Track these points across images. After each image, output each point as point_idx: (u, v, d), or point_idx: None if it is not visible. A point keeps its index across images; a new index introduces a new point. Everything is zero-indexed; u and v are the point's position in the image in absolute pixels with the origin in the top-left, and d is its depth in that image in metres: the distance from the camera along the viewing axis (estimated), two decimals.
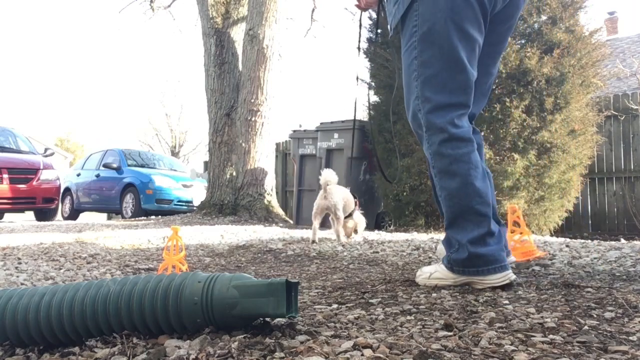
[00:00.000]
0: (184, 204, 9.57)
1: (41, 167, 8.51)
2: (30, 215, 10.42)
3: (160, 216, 8.50)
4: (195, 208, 8.59)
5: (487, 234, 1.65)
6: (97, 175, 10.50)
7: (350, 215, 3.88)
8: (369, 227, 5.64)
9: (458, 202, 1.67)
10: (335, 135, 5.98)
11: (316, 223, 3.75)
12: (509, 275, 1.65)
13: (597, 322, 1.18)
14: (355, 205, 3.94)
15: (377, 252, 3.05)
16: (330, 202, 3.65)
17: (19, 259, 2.78)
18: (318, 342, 1.01)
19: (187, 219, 6.80)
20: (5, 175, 7.98)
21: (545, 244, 3.22)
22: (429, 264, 2.55)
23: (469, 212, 1.65)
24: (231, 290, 1.08)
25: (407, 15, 1.72)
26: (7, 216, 11.02)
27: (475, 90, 1.75)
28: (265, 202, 7.07)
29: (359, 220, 4.00)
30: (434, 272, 1.76)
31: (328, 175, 3.65)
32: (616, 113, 6.42)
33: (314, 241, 3.62)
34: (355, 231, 3.97)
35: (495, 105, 4.82)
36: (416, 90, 1.73)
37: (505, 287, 1.64)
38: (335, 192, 3.70)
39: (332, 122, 6.14)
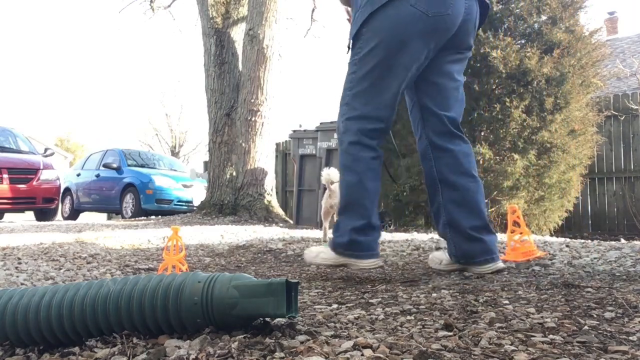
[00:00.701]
0: (184, 204, 9.57)
1: (41, 167, 8.51)
2: (30, 215, 10.42)
3: (160, 216, 8.50)
4: (195, 208, 8.59)
5: (368, 226, 1.95)
6: (97, 175, 10.50)
7: None
8: None
9: (351, 194, 1.99)
10: (336, 135, 5.98)
11: (326, 223, 3.74)
12: (378, 262, 1.99)
13: (597, 322, 1.18)
14: None
15: None
16: (334, 201, 3.65)
17: (19, 259, 2.78)
18: (318, 342, 1.02)
19: (187, 219, 6.80)
20: (5, 175, 7.98)
21: (545, 244, 3.22)
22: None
23: (357, 205, 1.96)
24: (231, 290, 1.08)
25: (357, 35, 1.98)
26: (7, 216, 11.02)
27: (448, 98, 2.03)
28: (265, 202, 7.07)
29: None
30: (320, 253, 2.05)
31: (331, 174, 3.65)
32: (616, 113, 6.42)
33: (325, 241, 3.62)
34: None
35: (495, 105, 4.82)
36: (347, 98, 2.02)
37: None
38: (339, 190, 3.69)
39: (332, 122, 6.13)
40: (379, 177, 2.02)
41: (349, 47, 2.05)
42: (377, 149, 2.00)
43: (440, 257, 2.18)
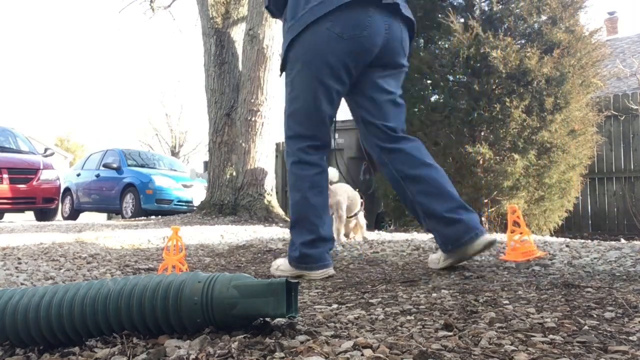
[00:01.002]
0: (184, 204, 9.56)
1: (41, 167, 8.51)
2: (30, 215, 10.41)
3: (160, 216, 8.49)
4: (195, 208, 8.59)
5: (317, 239, 2.09)
6: (97, 175, 10.50)
7: (354, 215, 3.87)
8: (369, 227, 5.64)
9: (298, 211, 2.13)
10: (335, 135, 5.98)
11: None
12: (329, 272, 2.11)
13: (597, 322, 1.18)
14: (361, 205, 3.92)
15: (377, 252, 3.05)
16: (332, 200, 3.64)
17: (19, 259, 2.78)
18: (318, 342, 1.02)
19: (187, 219, 6.80)
20: (5, 175, 7.98)
21: (545, 244, 3.22)
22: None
23: (305, 221, 2.11)
24: (231, 290, 1.08)
25: (285, 59, 2.16)
26: (7, 216, 11.02)
27: (384, 110, 2.18)
28: (265, 202, 7.06)
29: (362, 221, 3.98)
30: (280, 265, 2.23)
31: (329, 174, 3.64)
32: (616, 113, 6.42)
33: None
34: (353, 232, 3.96)
35: (495, 105, 4.82)
36: (285, 118, 2.19)
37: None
38: (339, 190, 3.69)
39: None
40: (324, 192, 2.15)
41: (281, 70, 2.21)
42: (319, 164, 2.15)
43: (437, 257, 2.21)
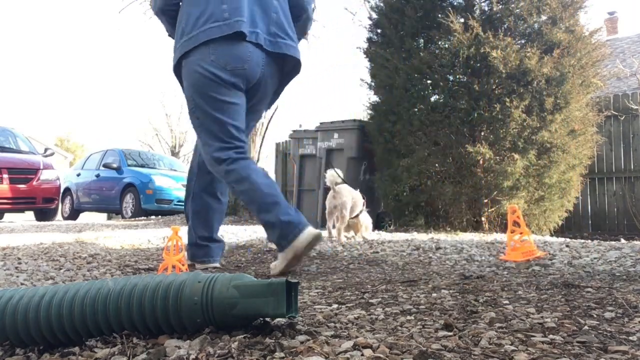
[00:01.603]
0: (184, 204, 9.56)
1: (41, 167, 8.51)
2: (30, 215, 10.41)
3: (160, 216, 8.49)
4: None
5: (281, 212, 2.20)
6: (97, 175, 10.50)
7: (357, 216, 3.91)
8: None
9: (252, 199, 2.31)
10: (335, 135, 5.97)
11: (330, 223, 3.79)
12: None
13: (597, 322, 1.18)
14: (363, 205, 3.95)
15: (377, 252, 3.05)
16: (338, 201, 3.68)
17: (19, 259, 2.78)
18: (318, 342, 1.02)
19: None
20: (5, 175, 7.98)
21: (545, 244, 3.22)
22: (429, 264, 2.55)
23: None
24: (231, 290, 1.08)
25: (178, 74, 2.42)
26: (7, 216, 11.02)
27: (248, 129, 2.48)
28: None
29: (366, 221, 4.01)
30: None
31: (334, 175, 3.69)
32: (616, 113, 6.42)
33: (331, 240, 3.68)
34: (357, 232, 3.99)
35: (495, 105, 4.82)
36: (197, 130, 2.40)
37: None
38: (345, 191, 3.75)
39: (332, 122, 6.13)
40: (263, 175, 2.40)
41: (176, 75, 2.46)
42: (242, 159, 2.37)
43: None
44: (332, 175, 3.69)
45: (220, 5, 2.25)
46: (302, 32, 2.67)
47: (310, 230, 2.17)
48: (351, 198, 3.77)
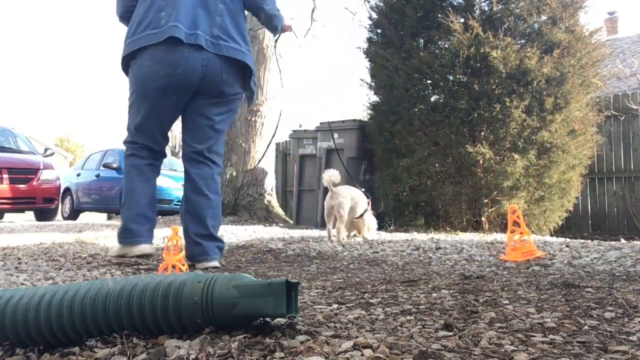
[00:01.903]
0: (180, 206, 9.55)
1: (41, 167, 8.50)
2: (30, 215, 10.41)
3: (160, 216, 8.49)
4: None
5: (139, 214, 2.51)
6: (97, 175, 10.49)
7: (361, 216, 3.92)
8: None
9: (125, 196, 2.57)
10: (335, 135, 5.98)
11: (330, 225, 3.80)
12: (144, 248, 2.53)
13: (597, 322, 1.18)
14: (368, 205, 3.95)
15: (377, 252, 3.05)
16: (335, 202, 3.69)
17: (19, 259, 2.78)
18: (318, 342, 1.01)
19: None
20: (5, 175, 7.97)
21: (545, 244, 3.22)
22: (429, 264, 2.55)
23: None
24: (231, 290, 1.08)
25: (125, 71, 2.60)
26: (7, 216, 11.02)
27: (200, 133, 2.57)
28: (265, 202, 7.07)
29: (370, 221, 4.02)
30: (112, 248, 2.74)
31: (332, 175, 3.69)
32: (616, 113, 6.42)
33: (331, 240, 3.72)
34: (359, 231, 4.00)
35: (495, 105, 4.82)
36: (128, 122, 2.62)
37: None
38: (342, 192, 3.75)
39: (332, 122, 6.14)
40: (148, 181, 2.59)
41: (123, 71, 2.63)
42: (139, 166, 2.58)
43: None
44: (329, 175, 3.69)
45: (159, 12, 2.40)
46: (271, 30, 2.82)
47: (140, 247, 2.53)
48: (350, 198, 3.77)
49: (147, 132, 2.55)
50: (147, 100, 2.48)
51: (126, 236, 2.53)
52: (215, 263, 2.52)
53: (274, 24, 2.71)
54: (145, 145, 2.58)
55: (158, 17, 2.39)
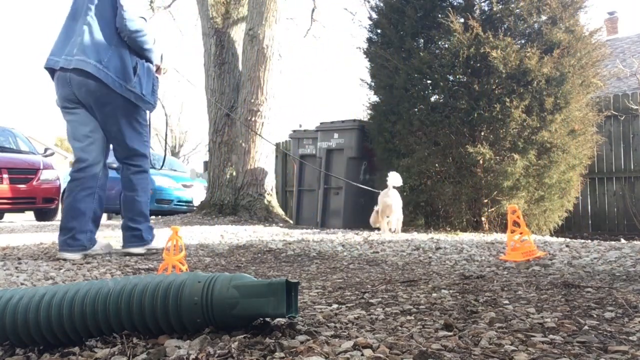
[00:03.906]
0: (184, 204, 9.56)
1: (41, 167, 8.50)
2: (30, 215, 10.40)
3: (160, 216, 8.49)
4: (195, 208, 8.58)
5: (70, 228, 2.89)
6: None
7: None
8: (369, 227, 5.63)
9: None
10: (335, 135, 5.97)
11: (383, 218, 4.58)
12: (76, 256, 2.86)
13: (597, 322, 1.18)
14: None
15: (377, 252, 3.05)
16: (390, 201, 4.44)
17: (19, 259, 2.78)
18: (318, 342, 1.01)
19: (187, 219, 6.80)
20: (5, 175, 7.97)
21: (545, 244, 3.22)
22: (429, 264, 2.55)
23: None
24: (231, 290, 1.08)
25: None
26: (7, 216, 11.02)
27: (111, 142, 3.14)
28: (265, 202, 7.06)
29: (400, 217, 4.70)
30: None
31: (396, 179, 4.39)
32: (616, 113, 6.41)
33: (384, 230, 4.53)
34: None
35: (495, 105, 4.81)
36: None
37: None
38: (395, 193, 4.50)
39: (332, 122, 6.13)
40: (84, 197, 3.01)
41: None
42: (77, 179, 3.01)
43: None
44: (394, 178, 4.36)
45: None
46: (137, 48, 2.93)
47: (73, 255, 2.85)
48: (400, 199, 4.56)
49: (76, 145, 3.14)
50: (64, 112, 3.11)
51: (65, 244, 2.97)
52: (137, 250, 3.10)
53: (137, 44, 2.92)
54: (78, 159, 3.13)
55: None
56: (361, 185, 5.45)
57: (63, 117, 2.97)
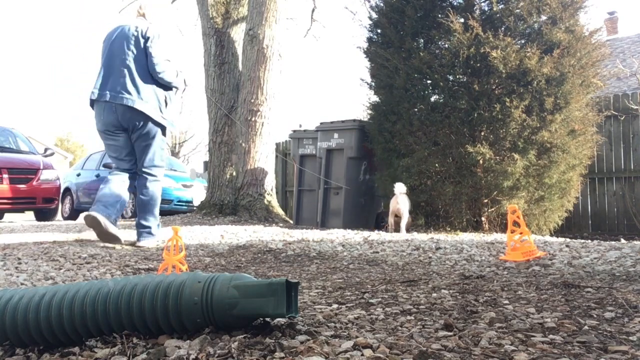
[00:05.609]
0: (184, 204, 9.56)
1: (41, 167, 8.50)
2: (30, 215, 10.40)
3: (160, 216, 8.48)
4: (195, 208, 8.58)
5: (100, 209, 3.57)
6: (97, 175, 10.49)
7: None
8: (369, 227, 5.63)
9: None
10: (335, 135, 5.97)
11: (391, 219, 5.07)
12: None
13: (597, 322, 1.18)
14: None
15: (377, 252, 3.05)
16: (399, 205, 4.92)
17: (19, 259, 2.78)
18: (318, 342, 1.01)
19: (187, 219, 6.80)
20: (5, 175, 7.97)
21: (545, 244, 3.22)
22: (429, 264, 2.55)
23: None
24: (231, 290, 1.08)
25: None
26: (7, 216, 11.02)
27: (135, 156, 3.77)
28: (265, 202, 7.06)
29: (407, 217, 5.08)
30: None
31: (401, 187, 4.89)
32: (616, 113, 6.41)
33: (392, 230, 4.98)
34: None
35: (495, 105, 4.81)
36: None
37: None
38: (404, 198, 4.97)
39: (332, 122, 6.13)
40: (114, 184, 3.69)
41: None
42: (106, 179, 3.76)
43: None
44: (400, 187, 4.89)
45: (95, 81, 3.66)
46: (165, 83, 3.70)
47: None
48: (408, 203, 5.02)
49: (112, 156, 3.92)
50: (101, 135, 3.86)
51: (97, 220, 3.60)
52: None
53: (166, 83, 3.72)
54: (115, 167, 3.96)
55: (94, 85, 3.82)
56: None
57: (103, 140, 3.74)
